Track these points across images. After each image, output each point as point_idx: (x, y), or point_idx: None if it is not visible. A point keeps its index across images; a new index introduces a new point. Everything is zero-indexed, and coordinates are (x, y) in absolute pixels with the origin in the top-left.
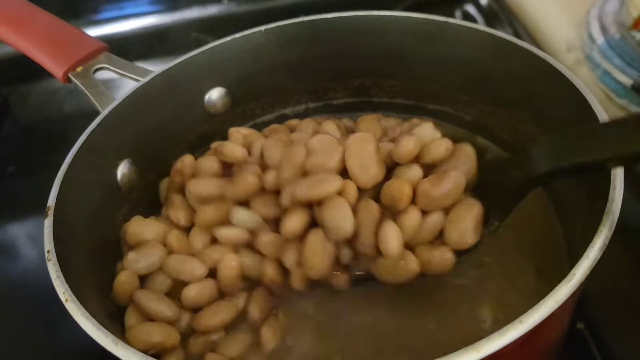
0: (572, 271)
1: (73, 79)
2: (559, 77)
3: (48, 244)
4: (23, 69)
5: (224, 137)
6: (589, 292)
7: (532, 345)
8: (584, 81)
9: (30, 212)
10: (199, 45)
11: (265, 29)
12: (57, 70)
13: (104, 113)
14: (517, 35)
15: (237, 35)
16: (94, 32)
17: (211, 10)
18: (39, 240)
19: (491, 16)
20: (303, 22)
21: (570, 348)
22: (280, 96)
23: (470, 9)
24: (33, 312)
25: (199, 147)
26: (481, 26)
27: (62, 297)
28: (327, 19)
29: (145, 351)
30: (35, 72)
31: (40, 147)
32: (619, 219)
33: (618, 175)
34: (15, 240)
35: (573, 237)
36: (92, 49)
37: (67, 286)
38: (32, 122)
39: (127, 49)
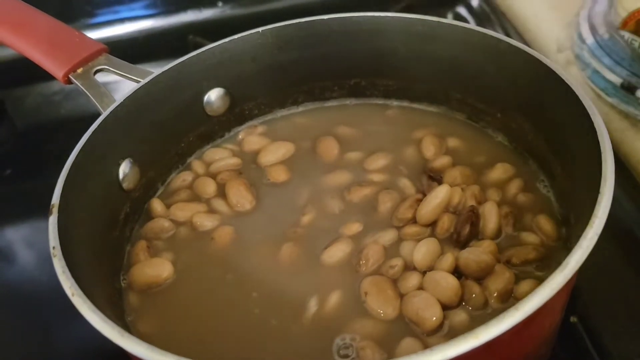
0: (566, 260)
1: (74, 80)
2: (551, 75)
3: (53, 240)
4: (20, 72)
5: (223, 137)
6: (582, 287)
7: (526, 334)
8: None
9: (28, 215)
10: (195, 48)
11: (262, 30)
12: (57, 71)
13: (105, 113)
14: (508, 37)
15: (235, 36)
16: (91, 35)
17: (206, 13)
18: (36, 243)
19: (482, 18)
20: (299, 23)
21: (564, 341)
22: (277, 96)
23: (462, 10)
24: (30, 315)
25: (198, 147)
26: (473, 26)
27: (69, 292)
28: (323, 20)
29: None
30: (32, 75)
31: (37, 150)
32: (613, 216)
33: (609, 169)
34: (12, 243)
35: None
36: (92, 50)
37: (72, 281)
38: (29, 125)
39: (123, 52)
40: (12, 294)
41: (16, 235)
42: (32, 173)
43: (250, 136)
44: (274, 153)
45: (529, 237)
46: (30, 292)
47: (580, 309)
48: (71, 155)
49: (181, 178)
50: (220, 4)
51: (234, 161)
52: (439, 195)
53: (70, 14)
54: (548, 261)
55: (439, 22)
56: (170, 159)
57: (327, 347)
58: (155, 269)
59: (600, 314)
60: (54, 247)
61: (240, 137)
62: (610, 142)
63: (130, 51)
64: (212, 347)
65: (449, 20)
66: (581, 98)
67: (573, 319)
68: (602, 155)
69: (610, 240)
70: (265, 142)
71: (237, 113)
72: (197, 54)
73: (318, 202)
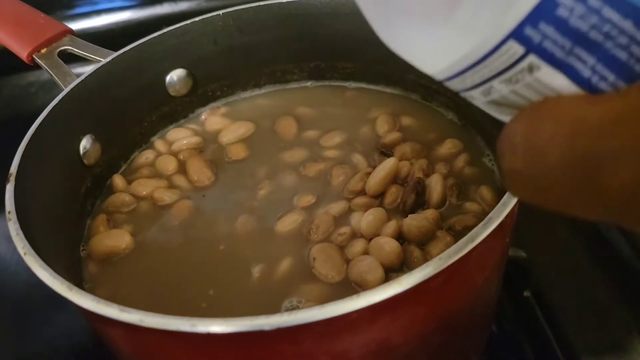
0: (487, 217)
1: (37, 60)
2: None
3: (9, 205)
4: None
5: (187, 117)
6: (535, 263)
7: (455, 286)
8: None
9: (3, 210)
10: None
11: (223, 13)
12: (21, 51)
13: (66, 90)
14: None
15: (197, 18)
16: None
17: (182, 5)
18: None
19: None
20: (258, 6)
21: (518, 314)
22: (239, 78)
23: None
24: (7, 312)
25: (162, 127)
26: None
27: (21, 252)
28: (282, 3)
29: None
30: (8, 66)
31: (12, 142)
32: None
33: None
34: None
35: None
36: (56, 31)
37: (25, 242)
38: (5, 116)
39: (99, 43)
40: None
41: None
42: (9, 164)
43: (213, 116)
44: (234, 132)
45: (472, 206)
46: (8, 289)
47: (533, 285)
48: (31, 128)
49: (144, 156)
50: None
51: (196, 140)
52: (386, 167)
53: (46, 4)
54: None
55: None
56: (134, 138)
57: (276, 308)
58: (114, 239)
59: (551, 288)
60: (9, 212)
61: (202, 117)
62: None
63: (106, 43)
64: (165, 308)
65: None
66: None
67: (526, 293)
68: None
69: (566, 220)
70: (226, 122)
71: (200, 94)
72: (159, 35)
73: (275, 177)
